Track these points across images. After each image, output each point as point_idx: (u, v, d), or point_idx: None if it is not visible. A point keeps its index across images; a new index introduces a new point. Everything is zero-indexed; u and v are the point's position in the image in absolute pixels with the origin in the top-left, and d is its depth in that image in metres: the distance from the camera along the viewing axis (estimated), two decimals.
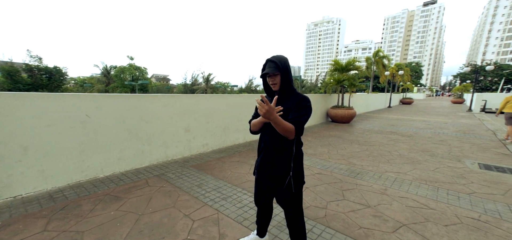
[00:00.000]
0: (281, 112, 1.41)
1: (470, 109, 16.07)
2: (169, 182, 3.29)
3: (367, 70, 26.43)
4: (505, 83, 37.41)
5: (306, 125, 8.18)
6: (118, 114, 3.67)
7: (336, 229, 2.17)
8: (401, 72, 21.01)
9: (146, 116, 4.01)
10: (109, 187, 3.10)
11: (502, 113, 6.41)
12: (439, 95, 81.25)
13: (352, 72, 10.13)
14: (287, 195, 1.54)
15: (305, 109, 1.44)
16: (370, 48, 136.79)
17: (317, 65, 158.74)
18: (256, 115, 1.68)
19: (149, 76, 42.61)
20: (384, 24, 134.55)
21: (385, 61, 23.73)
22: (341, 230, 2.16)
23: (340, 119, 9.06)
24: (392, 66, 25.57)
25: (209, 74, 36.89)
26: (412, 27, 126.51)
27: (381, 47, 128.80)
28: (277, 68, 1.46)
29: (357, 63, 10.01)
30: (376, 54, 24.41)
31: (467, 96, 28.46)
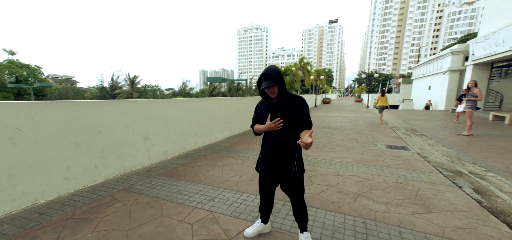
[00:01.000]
0: (282, 123, 1.76)
1: (367, 106, 20.99)
2: (142, 194, 3.05)
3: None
4: (382, 86, 51.70)
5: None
6: (63, 125, 3.08)
7: (317, 207, 2.69)
8: (322, 77, 25.12)
9: (98, 125, 3.51)
10: (65, 212, 2.61)
11: (376, 107, 10.34)
12: (345, 96, 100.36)
13: (288, 76, 11.48)
14: (293, 181, 1.85)
15: (307, 110, 1.82)
16: (293, 55, 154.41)
17: (249, 68, 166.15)
18: (257, 120, 1.96)
19: (44, 76, 34.03)
20: (302, 35, 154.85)
21: (309, 67, 27.60)
22: (320, 207, 2.69)
23: None
24: (313, 71, 30.05)
25: (135, 77, 32.70)
26: (323, 40, 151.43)
27: (302, 54, 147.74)
28: (274, 80, 1.71)
29: (293, 69, 11.42)
30: (301, 60, 28.03)
31: (364, 96, 36.88)
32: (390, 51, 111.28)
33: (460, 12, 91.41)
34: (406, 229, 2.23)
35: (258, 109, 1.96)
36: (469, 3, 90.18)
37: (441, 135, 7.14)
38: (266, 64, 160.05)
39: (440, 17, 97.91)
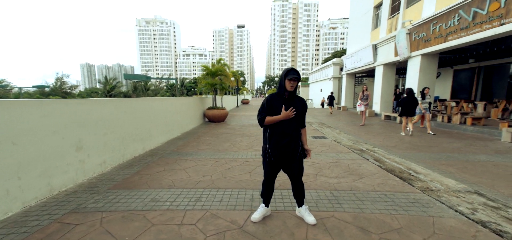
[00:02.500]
0: (295, 112, 2.16)
1: None
2: (107, 211, 2.52)
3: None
4: None
5: (194, 126, 8.40)
6: None
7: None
8: (242, 78, 26.63)
9: (12, 134, 2.54)
10: None
11: None
12: (257, 97, 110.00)
13: (218, 77, 11.65)
14: (299, 163, 2.28)
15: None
16: (205, 55, 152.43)
17: (156, 66, 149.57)
18: (269, 112, 2.20)
19: None
20: (213, 36, 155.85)
21: (227, 69, 28.54)
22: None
23: (217, 118, 10.22)
24: (230, 72, 31.35)
25: None
26: (233, 42, 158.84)
27: (214, 55, 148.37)
28: (298, 76, 2.14)
29: (226, 69, 11.67)
30: (219, 61, 28.48)
31: None
32: (289, 58, 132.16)
33: (329, 33, 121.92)
34: (356, 191, 3.12)
35: (268, 104, 2.20)
36: (333, 28, 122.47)
37: (340, 126, 9.58)
38: (177, 63, 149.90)
39: (318, 35, 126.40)
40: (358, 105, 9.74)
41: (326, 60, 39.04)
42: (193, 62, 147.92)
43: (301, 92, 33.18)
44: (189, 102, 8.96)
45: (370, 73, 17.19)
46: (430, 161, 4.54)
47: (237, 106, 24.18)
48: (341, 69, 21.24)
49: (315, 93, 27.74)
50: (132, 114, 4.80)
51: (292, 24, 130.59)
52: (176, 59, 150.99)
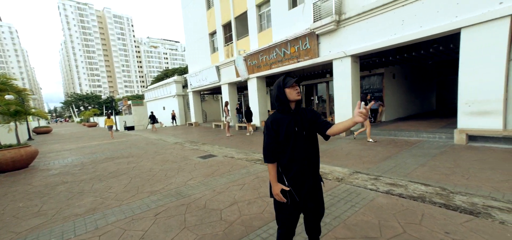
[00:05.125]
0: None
1: (117, 129, 19.22)
2: None
3: None
4: (106, 108, 50.88)
5: None
6: None
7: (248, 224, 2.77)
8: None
9: None
10: None
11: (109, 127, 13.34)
12: (60, 122, 76.65)
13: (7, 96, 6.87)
14: (322, 195, 1.74)
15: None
16: None
17: None
18: (276, 139, 1.62)
19: None
20: None
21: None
22: (242, 219, 2.81)
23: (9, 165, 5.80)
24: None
25: None
26: None
27: None
28: (298, 79, 1.69)
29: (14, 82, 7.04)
30: None
31: (99, 119, 33.68)
32: (103, 73, 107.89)
33: (151, 51, 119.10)
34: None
35: (274, 125, 1.62)
36: (154, 47, 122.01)
37: (211, 140, 9.59)
38: None
39: (139, 52, 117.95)
40: (226, 118, 10.91)
41: (160, 78, 37.36)
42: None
43: (134, 112, 28.73)
44: None
45: (216, 90, 19.00)
46: None
47: (30, 138, 15.65)
48: (183, 87, 21.46)
49: (156, 112, 25.40)
50: None
51: (101, 34, 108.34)
52: None
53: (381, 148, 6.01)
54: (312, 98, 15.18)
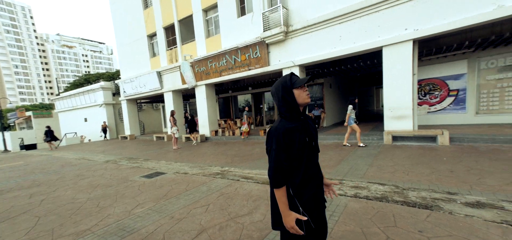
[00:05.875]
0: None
1: (6, 150, 14.39)
2: None
3: None
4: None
5: None
6: None
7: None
8: None
9: None
10: None
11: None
12: None
13: None
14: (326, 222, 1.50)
15: None
16: None
17: None
18: (293, 152, 1.29)
19: None
20: None
21: None
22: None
23: None
24: None
25: None
26: None
27: None
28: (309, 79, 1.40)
29: None
30: None
31: None
32: None
33: (64, 51, 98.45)
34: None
35: (286, 137, 1.28)
36: (70, 47, 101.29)
37: (157, 155, 8.31)
38: None
39: (44, 51, 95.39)
40: (173, 131, 9.91)
41: (78, 85, 31.02)
42: None
43: (36, 126, 22.66)
44: None
45: (156, 98, 16.94)
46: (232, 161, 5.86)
47: None
48: (114, 94, 18.40)
49: (75, 124, 20.71)
50: None
51: None
52: None
53: (333, 152, 6.48)
54: (261, 106, 15.49)
